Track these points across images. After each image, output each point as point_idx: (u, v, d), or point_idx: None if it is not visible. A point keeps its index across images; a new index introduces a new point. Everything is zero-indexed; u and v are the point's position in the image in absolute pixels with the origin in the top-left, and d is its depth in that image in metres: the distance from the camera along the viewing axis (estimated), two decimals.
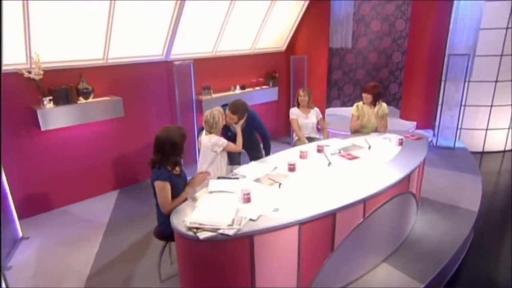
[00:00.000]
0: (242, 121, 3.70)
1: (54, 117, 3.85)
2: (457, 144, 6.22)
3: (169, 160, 2.65)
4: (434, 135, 6.48)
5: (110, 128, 4.52)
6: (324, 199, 2.61)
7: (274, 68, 6.27)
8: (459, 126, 6.28)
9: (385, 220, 3.03)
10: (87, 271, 3.09)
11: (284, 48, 6.47)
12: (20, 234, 3.62)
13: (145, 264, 3.20)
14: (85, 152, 4.40)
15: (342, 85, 8.05)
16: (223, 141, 3.38)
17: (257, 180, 3.02)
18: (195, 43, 5.15)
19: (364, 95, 4.27)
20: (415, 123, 6.67)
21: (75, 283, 2.95)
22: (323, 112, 6.86)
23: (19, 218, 3.67)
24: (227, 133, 3.75)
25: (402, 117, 6.99)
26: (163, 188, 2.57)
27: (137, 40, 4.49)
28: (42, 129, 3.79)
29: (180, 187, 2.71)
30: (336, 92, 8.06)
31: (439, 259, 3.13)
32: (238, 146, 3.55)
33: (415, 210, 3.69)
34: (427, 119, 6.69)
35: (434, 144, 6.35)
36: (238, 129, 3.63)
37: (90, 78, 4.19)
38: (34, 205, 4.09)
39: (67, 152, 4.24)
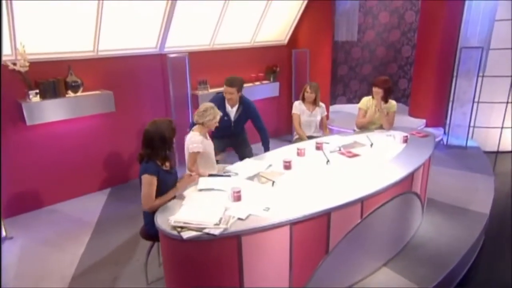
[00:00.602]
0: (236, 106, 3.90)
1: (41, 111, 3.84)
2: (470, 143, 6.12)
3: (159, 154, 2.61)
4: (444, 133, 6.38)
5: (100, 124, 4.51)
6: (318, 198, 2.57)
7: (275, 62, 6.21)
8: (472, 124, 6.17)
9: (386, 221, 2.97)
10: (71, 272, 3.08)
11: (286, 41, 6.42)
12: (4, 234, 3.61)
13: (133, 265, 3.18)
14: (74, 149, 4.39)
15: (347, 81, 7.97)
16: (193, 146, 3.12)
17: (250, 178, 2.98)
18: (191, 35, 5.12)
19: (374, 89, 4.16)
20: (424, 120, 6.57)
21: (57, 284, 2.93)
22: (327, 110, 6.82)
23: (3, 217, 3.66)
24: (224, 117, 3.70)
25: (410, 114, 6.89)
26: (149, 182, 2.53)
27: (130, 32, 4.46)
28: (28, 123, 3.78)
29: (170, 184, 2.67)
30: (342, 88, 7.99)
31: (444, 264, 3.07)
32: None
33: (420, 212, 3.62)
34: (438, 117, 6.58)
35: (445, 143, 6.25)
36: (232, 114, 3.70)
37: (79, 71, 4.18)
38: (18, 204, 4.09)
39: (55, 148, 4.24)
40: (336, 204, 2.47)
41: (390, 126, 4.16)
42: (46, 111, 3.89)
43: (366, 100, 4.29)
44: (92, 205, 4.32)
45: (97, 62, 4.39)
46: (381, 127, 4.23)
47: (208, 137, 3.36)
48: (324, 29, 6.34)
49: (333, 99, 7.93)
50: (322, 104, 4.42)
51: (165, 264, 2.43)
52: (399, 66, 7.90)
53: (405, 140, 3.73)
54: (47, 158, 4.21)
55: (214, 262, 2.24)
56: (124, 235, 3.64)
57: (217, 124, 3.27)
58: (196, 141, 3.15)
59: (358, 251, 2.82)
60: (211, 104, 3.27)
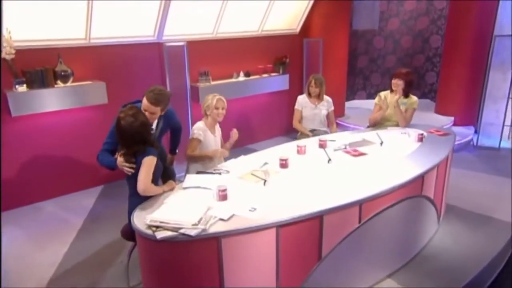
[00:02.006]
0: (156, 120, 3.15)
1: (27, 101, 3.95)
2: (503, 144, 5.95)
3: (149, 141, 2.65)
4: (475, 132, 6.20)
5: (91, 116, 4.60)
6: (311, 199, 2.54)
7: (285, 52, 6.18)
8: (506, 123, 5.97)
9: (391, 228, 2.91)
10: (50, 273, 3.15)
11: (298, 30, 6.38)
12: None
13: (116, 267, 3.23)
14: (63, 142, 4.50)
15: (368, 74, 7.85)
16: (194, 132, 3.31)
17: (242, 177, 2.98)
18: (192, 23, 5.15)
19: (394, 81, 4.09)
20: (452, 118, 6.41)
21: (34, 285, 3.00)
22: (341, 105, 6.76)
23: None
24: None
25: (437, 111, 6.73)
26: (152, 164, 2.57)
27: (125, 18, 4.53)
28: (13, 115, 3.90)
29: (158, 170, 2.74)
30: (361, 82, 7.88)
31: (457, 279, 2.98)
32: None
33: (435, 219, 3.53)
34: (468, 114, 6.42)
35: (475, 143, 6.08)
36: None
37: (69, 60, 4.27)
38: (3, 201, 4.19)
39: (43, 142, 4.35)
40: (329, 206, 2.44)
41: (406, 124, 4.07)
42: (33, 102, 4.00)
43: (383, 95, 4.21)
44: (81, 203, 4.42)
45: (89, 51, 4.48)
46: (397, 125, 4.14)
47: (217, 133, 3.47)
48: (340, 17, 6.27)
49: (351, 94, 7.84)
50: (327, 98, 4.38)
51: (142, 266, 2.45)
52: (427, 58, 7.73)
53: (420, 139, 3.64)
54: (34, 152, 4.33)
55: (192, 265, 2.24)
56: (111, 235, 3.70)
57: (220, 113, 3.34)
58: (198, 127, 3.31)
59: (358, 259, 2.77)
60: (211, 96, 3.34)
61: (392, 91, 4.13)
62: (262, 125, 6.47)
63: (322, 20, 6.25)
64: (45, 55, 4.13)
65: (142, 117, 2.63)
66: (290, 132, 6.59)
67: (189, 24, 5.13)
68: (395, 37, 7.62)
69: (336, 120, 6.58)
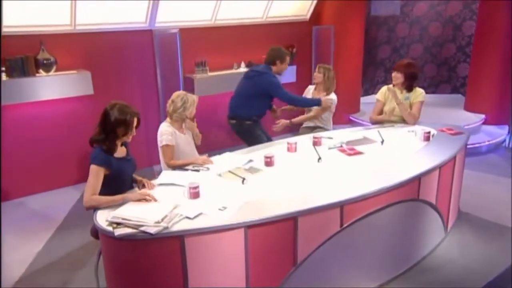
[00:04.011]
0: None
1: (7, 91, 4.17)
2: None
3: (113, 140, 2.79)
4: (509, 133, 6.10)
5: (75, 108, 4.81)
6: (288, 199, 2.64)
7: (292, 41, 6.26)
8: None
9: (382, 233, 2.97)
10: (20, 272, 3.36)
11: (308, 16, 6.44)
12: None
13: (89, 267, 3.37)
14: (44, 136, 4.73)
15: (390, 66, 7.81)
16: (160, 139, 3.35)
17: (220, 174, 3.10)
18: (188, 8, 5.27)
19: (393, 74, 4.16)
20: (482, 116, 6.33)
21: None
22: (356, 100, 6.79)
23: None
24: None
25: (466, 108, 6.66)
26: (96, 173, 2.68)
27: (114, 3, 4.70)
28: None
29: (128, 172, 2.90)
30: (383, 74, 7.86)
31: None
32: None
33: (441, 227, 3.55)
34: (501, 112, 6.33)
35: (507, 145, 5.99)
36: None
37: (52, 47, 4.49)
38: None
39: (23, 134, 4.59)
40: (303, 207, 2.52)
41: (415, 121, 4.09)
42: (13, 92, 4.22)
43: (385, 89, 4.25)
44: (62, 200, 4.64)
45: (75, 38, 4.69)
46: (404, 122, 4.16)
47: (186, 131, 3.53)
48: (355, 1, 6.28)
49: (370, 88, 7.84)
50: (333, 95, 4.41)
51: (105, 266, 2.61)
52: (459, 47, 7.65)
53: (427, 138, 3.67)
54: (13, 145, 4.56)
55: (154, 265, 2.38)
56: (88, 235, 3.87)
57: (191, 115, 3.41)
58: (166, 132, 3.34)
59: (343, 266, 2.84)
60: (192, 98, 3.41)
61: (394, 85, 4.16)
62: (265, 120, 6.53)
63: (335, 6, 6.29)
64: (26, 42, 4.35)
65: (128, 112, 2.76)
66: (294, 128, 6.66)
67: (185, 10, 5.26)
68: (422, 23, 7.57)
69: (349, 116, 6.64)
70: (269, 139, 4.32)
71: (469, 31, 7.44)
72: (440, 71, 7.85)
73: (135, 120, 2.83)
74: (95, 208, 2.60)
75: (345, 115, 6.63)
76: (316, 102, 4.25)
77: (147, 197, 2.64)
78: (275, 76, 4.27)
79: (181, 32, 5.07)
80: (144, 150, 5.20)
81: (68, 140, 4.86)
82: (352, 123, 6.49)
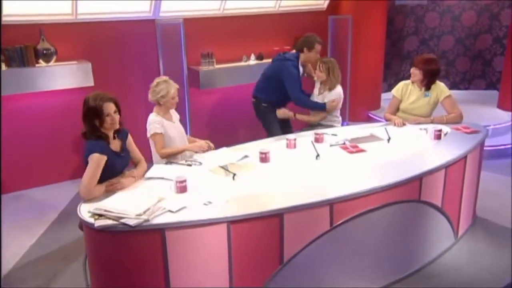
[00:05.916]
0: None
1: (5, 81, 4.46)
2: None
3: (97, 131, 2.95)
4: None
5: (75, 100, 4.98)
6: (276, 196, 2.79)
7: (307, 32, 6.32)
8: None
9: (379, 235, 3.08)
10: (10, 266, 3.62)
11: (325, 5, 6.53)
12: None
13: (79, 263, 3.60)
14: (46, 128, 5.02)
15: None
16: (149, 129, 3.57)
17: (212, 169, 3.27)
18: None
19: (411, 69, 4.24)
20: None
21: None
22: (376, 96, 6.84)
23: None
24: None
25: (499, 105, 6.63)
26: (98, 162, 2.83)
27: None
28: None
29: (119, 169, 3.07)
30: (409, 68, 7.83)
31: None
32: None
33: (450, 232, 3.61)
34: None
35: None
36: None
37: (53, 37, 4.77)
38: None
39: (21, 125, 4.88)
40: (289, 204, 2.66)
41: (461, 118, 4.13)
42: (12, 82, 4.50)
43: (402, 85, 4.32)
44: (61, 194, 4.92)
45: (76, 28, 4.96)
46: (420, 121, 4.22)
47: (175, 117, 3.75)
48: None
49: (396, 82, 7.78)
50: (338, 88, 4.51)
51: (88, 258, 2.82)
52: (496, 39, 7.57)
53: (438, 136, 3.74)
54: (12, 137, 4.85)
55: (134, 258, 2.57)
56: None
57: (175, 101, 3.62)
58: (153, 121, 3.55)
59: (333, 266, 2.97)
60: (164, 77, 3.64)
61: (413, 82, 4.23)
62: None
63: None
64: (26, 31, 4.64)
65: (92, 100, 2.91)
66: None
67: None
68: (454, 12, 7.53)
69: (368, 113, 6.71)
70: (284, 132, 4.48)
71: (507, 20, 7.36)
72: (474, 65, 7.78)
73: (109, 105, 2.90)
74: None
75: (363, 112, 6.70)
76: (321, 107, 4.42)
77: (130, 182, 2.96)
78: (297, 68, 4.46)
79: (188, 22, 5.27)
80: (147, 146, 5.40)
81: (68, 132, 5.10)
82: (370, 120, 6.55)
